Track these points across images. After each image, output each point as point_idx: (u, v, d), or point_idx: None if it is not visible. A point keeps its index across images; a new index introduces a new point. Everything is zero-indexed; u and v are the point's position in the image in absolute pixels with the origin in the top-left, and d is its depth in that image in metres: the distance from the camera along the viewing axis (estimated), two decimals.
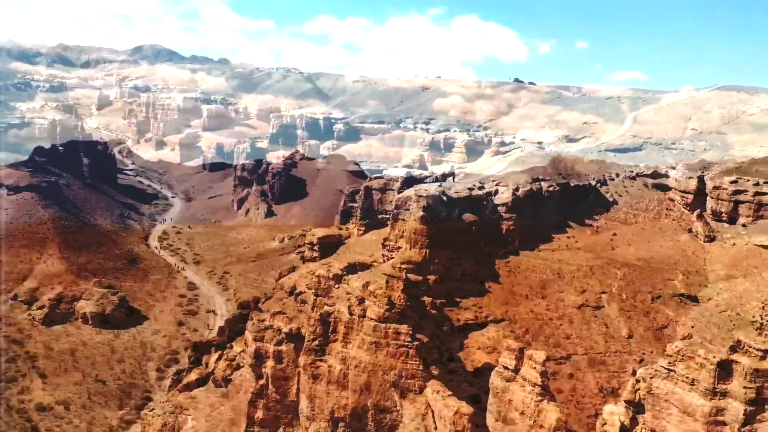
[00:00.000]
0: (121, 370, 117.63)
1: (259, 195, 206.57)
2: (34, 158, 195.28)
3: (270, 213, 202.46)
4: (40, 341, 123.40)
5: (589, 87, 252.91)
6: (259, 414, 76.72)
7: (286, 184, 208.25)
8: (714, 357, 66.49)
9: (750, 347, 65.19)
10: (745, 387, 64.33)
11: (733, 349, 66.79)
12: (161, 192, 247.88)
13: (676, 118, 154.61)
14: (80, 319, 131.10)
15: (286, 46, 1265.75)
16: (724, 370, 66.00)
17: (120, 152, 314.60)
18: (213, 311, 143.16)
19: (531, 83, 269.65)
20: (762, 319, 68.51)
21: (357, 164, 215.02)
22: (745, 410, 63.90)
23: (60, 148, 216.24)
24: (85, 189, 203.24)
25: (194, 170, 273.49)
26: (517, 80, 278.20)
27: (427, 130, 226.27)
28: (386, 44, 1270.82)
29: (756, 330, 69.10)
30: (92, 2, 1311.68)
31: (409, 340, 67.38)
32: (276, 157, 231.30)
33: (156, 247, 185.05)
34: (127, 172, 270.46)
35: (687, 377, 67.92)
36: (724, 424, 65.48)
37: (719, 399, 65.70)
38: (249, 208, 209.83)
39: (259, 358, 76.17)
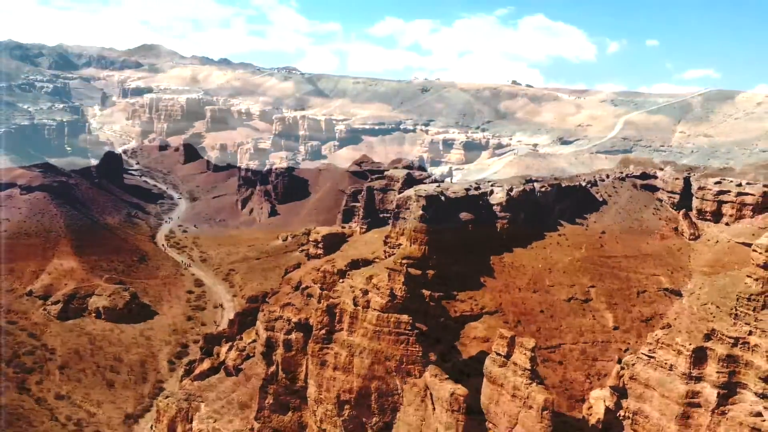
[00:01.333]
0: (134, 362, 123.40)
1: (263, 195, 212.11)
2: (47, 162, 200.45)
3: (273, 212, 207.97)
4: (56, 334, 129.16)
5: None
6: (270, 399, 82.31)
7: (288, 185, 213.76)
8: (690, 344, 72.28)
9: (723, 335, 70.92)
10: (718, 372, 70.11)
11: (708, 337, 72.57)
12: (166, 192, 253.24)
13: (665, 122, 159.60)
14: (93, 314, 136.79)
15: (353, 49, 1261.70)
16: (700, 356, 71.77)
17: (124, 152, 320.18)
18: (221, 305, 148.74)
19: (528, 86, 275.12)
20: (736, 310, 74.05)
21: (358, 165, 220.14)
22: (718, 393, 69.73)
23: (68, 149, 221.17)
24: (93, 188, 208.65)
25: (198, 170, 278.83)
26: (515, 82, 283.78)
27: (426, 132, 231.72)
28: (453, 46, 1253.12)
29: (732, 320, 74.82)
30: (162, 5, 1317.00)
31: (409, 328, 73.00)
32: (279, 158, 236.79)
33: (163, 245, 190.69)
34: (132, 172, 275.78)
35: (666, 363, 73.73)
36: (699, 406, 71.34)
37: (695, 383, 71.56)
38: (253, 208, 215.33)
39: (269, 346, 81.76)
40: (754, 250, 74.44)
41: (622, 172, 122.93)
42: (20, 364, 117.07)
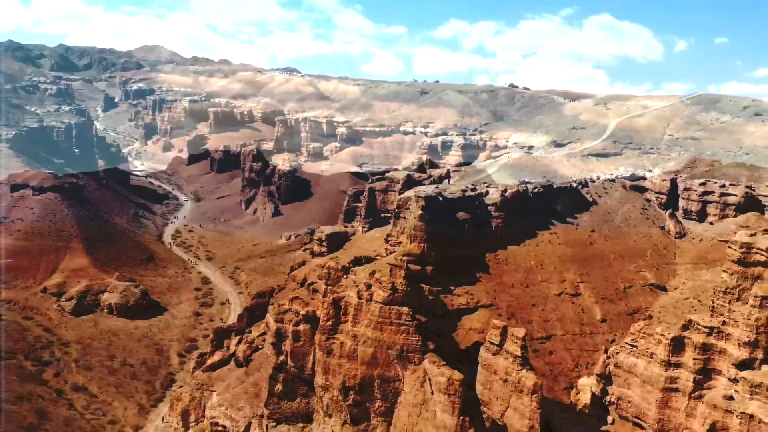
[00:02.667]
0: (146, 356, 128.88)
1: (266, 195, 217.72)
2: (54, 161, 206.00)
3: (276, 212, 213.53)
4: (70, 329, 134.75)
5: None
6: (279, 386, 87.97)
7: (291, 185, 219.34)
8: (669, 334, 78.30)
9: (699, 325, 76.91)
10: (694, 359, 76.19)
11: (685, 327, 78.60)
12: (171, 192, 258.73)
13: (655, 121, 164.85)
14: (105, 310, 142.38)
15: (418, 52, 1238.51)
16: (678, 345, 77.77)
17: (129, 153, 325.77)
18: (228, 300, 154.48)
19: (526, 88, 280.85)
20: (713, 302, 79.96)
21: (359, 166, 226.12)
22: (695, 379, 75.82)
23: (75, 150, 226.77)
24: (100, 189, 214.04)
25: (202, 171, 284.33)
26: (512, 85, 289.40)
27: (425, 134, 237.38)
28: (517, 48, 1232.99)
29: (709, 312, 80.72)
30: (228, 11, 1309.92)
31: (409, 319, 78.68)
32: (281, 159, 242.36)
33: (170, 244, 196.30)
34: (137, 173, 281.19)
35: (647, 351, 79.77)
36: (677, 391, 77.43)
37: (673, 370, 77.63)
38: (256, 208, 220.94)
39: (279, 337, 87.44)
40: (730, 247, 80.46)
41: (612, 173, 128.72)
42: (37, 357, 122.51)
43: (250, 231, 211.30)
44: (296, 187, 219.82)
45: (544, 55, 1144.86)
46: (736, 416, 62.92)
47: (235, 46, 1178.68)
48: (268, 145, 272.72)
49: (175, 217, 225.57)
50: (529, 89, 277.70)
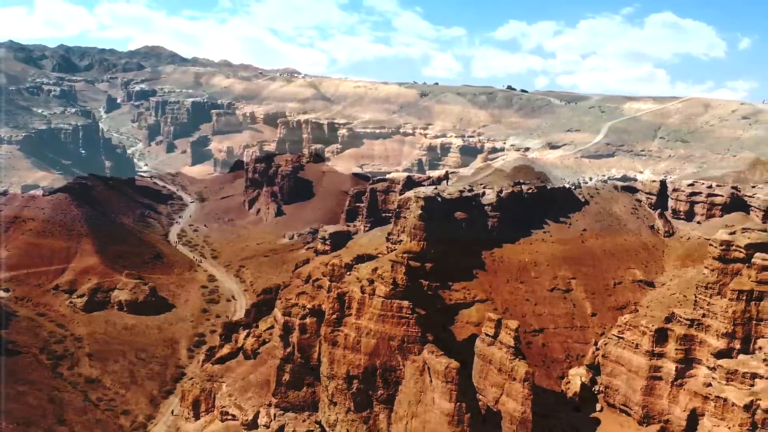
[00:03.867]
0: (156, 350, 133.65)
1: (269, 196, 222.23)
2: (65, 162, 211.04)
3: (279, 212, 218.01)
4: (82, 325, 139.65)
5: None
6: (287, 376, 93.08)
7: (294, 186, 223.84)
8: (653, 326, 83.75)
9: (681, 318, 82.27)
10: (676, 349, 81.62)
11: (668, 319, 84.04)
12: (176, 193, 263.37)
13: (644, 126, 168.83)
14: (116, 307, 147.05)
15: (477, 54, 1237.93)
16: (661, 336, 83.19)
17: (132, 154, 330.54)
18: (233, 297, 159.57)
19: (523, 91, 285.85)
20: (696, 297, 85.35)
21: (360, 167, 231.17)
22: (677, 368, 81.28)
23: (82, 152, 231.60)
24: (107, 190, 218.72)
25: (205, 172, 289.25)
26: (510, 88, 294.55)
27: (425, 135, 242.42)
28: (577, 48, 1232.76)
29: (692, 305, 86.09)
30: (288, 14, 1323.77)
31: (410, 313, 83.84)
32: (284, 160, 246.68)
33: (175, 243, 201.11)
34: (142, 174, 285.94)
35: (632, 343, 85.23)
36: (660, 379, 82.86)
37: (657, 359, 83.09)
38: (260, 208, 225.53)
39: (287, 330, 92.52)
40: (711, 245, 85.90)
41: (604, 175, 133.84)
42: (52, 351, 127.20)
43: (253, 230, 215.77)
44: (298, 188, 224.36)
45: (603, 55, 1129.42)
46: (712, 400, 67.97)
47: (295, 50, 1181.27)
48: (270, 147, 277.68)
49: (180, 217, 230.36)
50: (526, 91, 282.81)
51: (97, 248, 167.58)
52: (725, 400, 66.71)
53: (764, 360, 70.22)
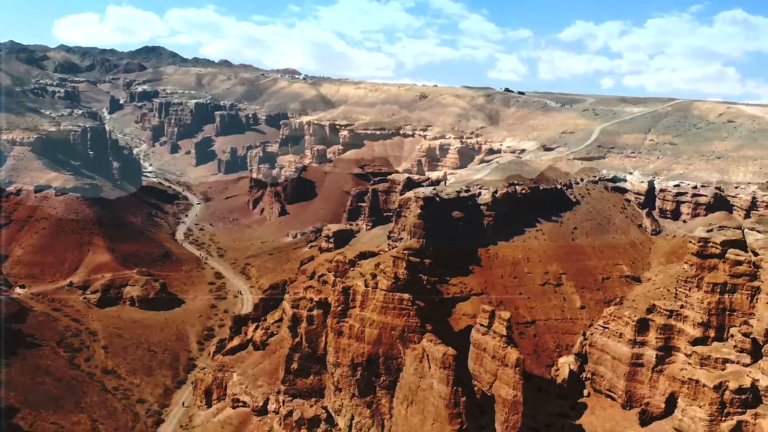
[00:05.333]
0: (168, 343, 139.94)
1: (273, 196, 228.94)
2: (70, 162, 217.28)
3: (283, 212, 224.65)
4: (96, 320, 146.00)
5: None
6: (295, 365, 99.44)
7: (297, 186, 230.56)
8: (635, 316, 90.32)
9: (661, 309, 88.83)
10: (657, 338, 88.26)
11: (649, 310, 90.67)
12: (181, 193, 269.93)
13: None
14: (128, 302, 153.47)
15: (543, 56, 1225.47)
16: (643, 326, 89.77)
17: (137, 155, 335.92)
18: (240, 293, 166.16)
19: (520, 93, 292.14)
20: (676, 290, 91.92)
21: (361, 168, 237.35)
22: (657, 355, 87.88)
23: (90, 152, 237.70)
24: (115, 190, 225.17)
25: (209, 172, 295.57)
26: (507, 90, 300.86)
27: (424, 137, 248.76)
28: (644, 47, 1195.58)
29: (674, 298, 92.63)
30: (356, 18, 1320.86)
31: (410, 305, 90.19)
32: (287, 161, 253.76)
33: (182, 241, 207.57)
34: (147, 174, 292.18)
35: (616, 332, 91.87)
36: (642, 365, 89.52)
37: (639, 347, 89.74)
38: (264, 208, 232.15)
39: (295, 321, 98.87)
40: (690, 242, 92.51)
41: (595, 176, 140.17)
42: (69, 344, 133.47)
43: (258, 229, 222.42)
44: (301, 188, 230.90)
45: (671, 54, 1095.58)
46: (685, 383, 74.42)
47: (362, 55, 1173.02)
48: (273, 148, 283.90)
49: (186, 216, 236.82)
50: (523, 93, 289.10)
51: (108, 246, 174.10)
52: (697, 381, 73.06)
53: (734, 347, 76.61)
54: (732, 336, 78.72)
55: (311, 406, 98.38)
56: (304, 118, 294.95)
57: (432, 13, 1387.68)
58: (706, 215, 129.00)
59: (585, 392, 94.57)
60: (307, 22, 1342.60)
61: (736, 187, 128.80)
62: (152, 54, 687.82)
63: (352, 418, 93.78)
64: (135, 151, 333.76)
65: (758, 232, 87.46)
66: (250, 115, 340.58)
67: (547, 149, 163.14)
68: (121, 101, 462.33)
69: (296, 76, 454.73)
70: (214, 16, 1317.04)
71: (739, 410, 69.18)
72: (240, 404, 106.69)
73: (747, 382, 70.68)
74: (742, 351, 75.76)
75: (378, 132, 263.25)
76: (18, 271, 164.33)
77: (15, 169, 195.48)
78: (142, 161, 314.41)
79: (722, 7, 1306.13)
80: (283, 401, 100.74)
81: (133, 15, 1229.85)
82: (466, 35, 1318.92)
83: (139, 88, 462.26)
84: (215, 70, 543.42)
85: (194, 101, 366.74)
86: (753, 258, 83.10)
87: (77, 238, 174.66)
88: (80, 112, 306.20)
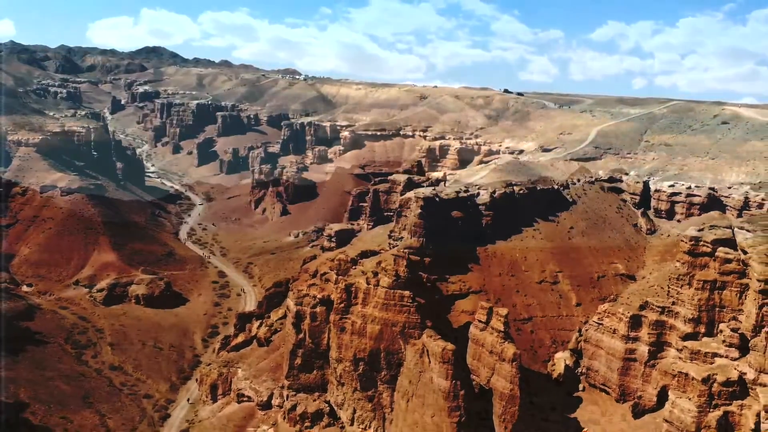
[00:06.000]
0: (173, 340, 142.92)
1: (275, 196, 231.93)
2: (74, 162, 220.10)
3: (285, 212, 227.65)
4: (103, 317, 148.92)
5: None
6: (298, 360, 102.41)
7: (298, 186, 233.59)
8: (628, 313, 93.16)
9: (653, 305, 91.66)
10: (649, 334, 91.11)
11: (642, 307, 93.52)
12: (183, 193, 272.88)
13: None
14: (133, 300, 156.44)
15: (574, 56, 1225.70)
16: (636, 322, 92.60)
17: (139, 156, 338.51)
18: (243, 291, 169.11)
19: (519, 94, 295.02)
20: (668, 287, 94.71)
21: (361, 168, 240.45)
22: (649, 350, 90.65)
23: (94, 153, 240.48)
24: (119, 190, 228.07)
25: (211, 173, 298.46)
26: (506, 91, 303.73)
27: (424, 137, 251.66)
28: (676, 47, 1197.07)
29: (666, 295, 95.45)
30: (388, 20, 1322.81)
31: (410, 301, 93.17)
32: (288, 161, 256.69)
33: (185, 241, 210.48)
34: (150, 174, 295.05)
35: (610, 328, 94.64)
36: (635, 360, 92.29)
37: (632, 343, 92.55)
38: (265, 208, 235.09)
39: (299, 318, 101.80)
40: (681, 240, 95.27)
41: (591, 177, 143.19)
42: (76, 341, 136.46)
43: (260, 229, 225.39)
44: (303, 188, 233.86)
45: (703, 54, 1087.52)
46: (675, 376, 77.29)
47: (394, 57, 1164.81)
48: (274, 148, 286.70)
49: (188, 216, 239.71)
50: (522, 94, 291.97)
51: (113, 245, 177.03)
52: (686, 375, 75.84)
53: (723, 342, 79.38)
54: (721, 331, 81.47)
55: (314, 400, 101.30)
56: (305, 119, 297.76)
57: (463, 15, 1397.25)
58: (700, 215, 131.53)
59: (580, 387, 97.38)
60: (339, 24, 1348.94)
61: (729, 188, 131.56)
62: (152, 54, 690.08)
63: (354, 411, 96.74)
64: (137, 151, 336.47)
65: (747, 231, 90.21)
66: (252, 116, 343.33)
67: (545, 150, 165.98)
68: (123, 102, 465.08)
69: (296, 77, 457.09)
70: (247, 18, 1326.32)
71: (727, 402, 71.97)
72: (245, 399, 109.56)
73: (734, 375, 73.48)
74: (730, 346, 78.50)
75: (378, 133, 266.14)
76: (25, 270, 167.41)
77: (21, 169, 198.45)
78: (144, 161, 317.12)
79: (756, 5, 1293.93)
80: (287, 396, 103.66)
81: (166, 18, 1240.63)
82: (497, 36, 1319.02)
83: (141, 89, 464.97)
84: (216, 70, 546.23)
85: (196, 102, 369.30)
86: (742, 256, 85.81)
87: (83, 238, 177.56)
88: (83, 112, 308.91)
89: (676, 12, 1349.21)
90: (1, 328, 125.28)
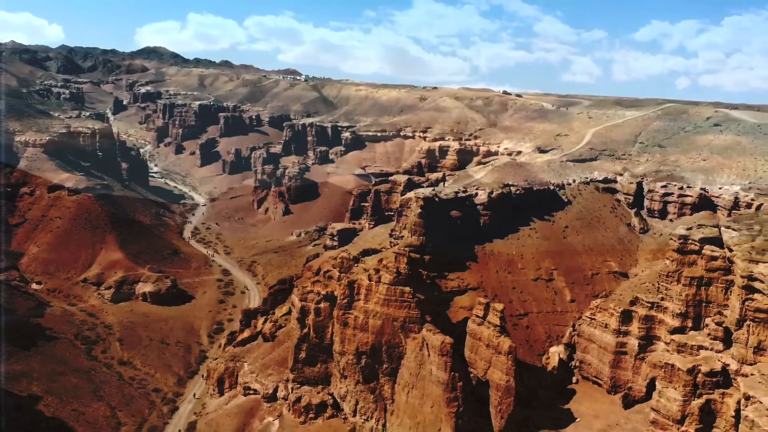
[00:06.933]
0: (180, 336, 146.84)
1: (277, 196, 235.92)
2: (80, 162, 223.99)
3: (287, 212, 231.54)
4: (111, 314, 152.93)
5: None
6: (303, 354, 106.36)
7: (300, 187, 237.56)
8: (619, 308, 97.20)
9: (643, 301, 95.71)
10: (639, 328, 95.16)
11: (633, 302, 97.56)
12: (187, 193, 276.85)
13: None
14: (140, 298, 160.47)
15: (617, 57, 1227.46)
16: (626, 317, 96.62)
17: (142, 156, 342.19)
18: (247, 288, 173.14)
19: (518, 95, 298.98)
20: (658, 284, 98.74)
21: (362, 169, 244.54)
22: (639, 344, 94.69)
23: (99, 154, 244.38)
24: (124, 190, 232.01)
25: (214, 173, 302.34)
26: (505, 92, 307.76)
27: (424, 138, 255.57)
28: (721, 46, 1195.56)
29: (656, 291, 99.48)
30: (431, 23, 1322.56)
31: (411, 297, 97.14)
32: (290, 162, 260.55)
33: (189, 240, 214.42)
34: (153, 174, 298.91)
35: (602, 323, 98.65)
36: (626, 353, 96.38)
37: (623, 337, 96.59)
38: (268, 207, 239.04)
39: (303, 313, 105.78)
40: (671, 239, 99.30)
41: (587, 177, 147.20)
42: (85, 337, 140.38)
43: (262, 228, 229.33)
44: (304, 188, 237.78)
45: (749, 53, 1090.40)
46: (662, 367, 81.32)
47: (438, 59, 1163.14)
48: (276, 149, 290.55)
49: (192, 216, 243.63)
50: (521, 96, 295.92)
51: (120, 244, 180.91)
52: (672, 366, 79.83)
53: (708, 335, 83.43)
54: (707, 325, 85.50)
55: (318, 392, 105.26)
56: (307, 120, 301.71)
57: (506, 16, 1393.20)
58: (691, 215, 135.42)
59: (573, 379, 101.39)
60: (383, 27, 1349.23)
61: (720, 188, 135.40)
62: (153, 54, 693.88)
63: (357, 403, 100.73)
64: (142, 151, 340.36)
65: (733, 230, 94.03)
66: (253, 117, 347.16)
67: (542, 151, 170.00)
68: (125, 102, 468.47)
69: (297, 78, 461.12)
70: (292, 22, 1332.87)
71: (710, 391, 76.01)
72: (251, 392, 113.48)
73: (717, 366, 77.46)
74: (715, 339, 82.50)
75: (379, 134, 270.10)
76: (34, 268, 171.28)
77: (28, 169, 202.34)
78: (147, 162, 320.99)
79: None
80: (292, 388, 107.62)
81: (212, 22, 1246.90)
82: (540, 38, 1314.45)
83: (142, 89, 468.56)
84: (217, 71, 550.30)
85: (198, 103, 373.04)
86: (728, 254, 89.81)
87: (90, 237, 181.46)
88: (88, 113, 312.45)
89: (721, 10, 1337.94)
90: (1, 321, 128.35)
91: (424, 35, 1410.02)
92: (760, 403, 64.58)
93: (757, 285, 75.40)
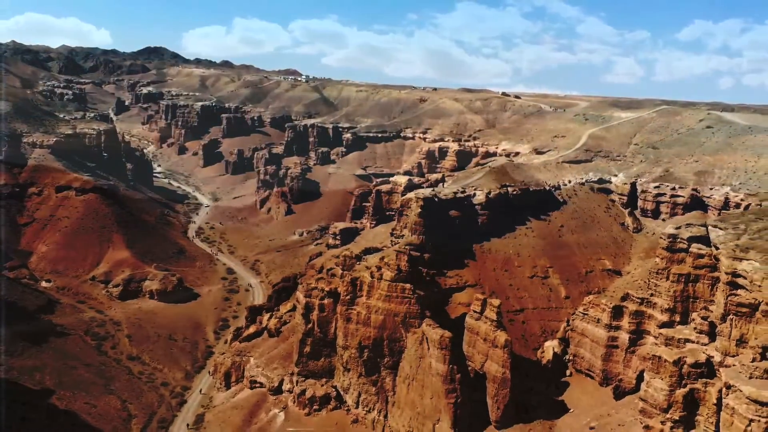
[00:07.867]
0: (187, 332, 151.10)
1: (280, 196, 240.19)
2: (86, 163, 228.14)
3: (289, 211, 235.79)
4: (119, 311, 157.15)
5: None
6: (307, 348, 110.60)
7: (302, 187, 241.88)
8: (611, 303, 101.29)
9: (633, 296, 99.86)
10: (629, 323, 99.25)
11: (623, 298, 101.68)
12: (190, 193, 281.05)
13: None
14: (147, 295, 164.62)
15: (660, 57, 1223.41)
16: (617, 312, 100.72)
17: (146, 157, 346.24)
18: (250, 286, 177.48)
19: (517, 97, 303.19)
20: (648, 280, 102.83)
21: (363, 169, 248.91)
22: (630, 338, 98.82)
23: (105, 154, 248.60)
24: (129, 190, 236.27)
25: (217, 173, 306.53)
26: (504, 94, 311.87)
27: (424, 140, 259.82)
28: (765, 45, 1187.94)
29: (646, 288, 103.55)
30: (473, 25, 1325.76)
31: (411, 293, 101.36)
32: (292, 162, 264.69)
33: (193, 238, 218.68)
34: (156, 175, 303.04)
35: (595, 318, 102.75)
36: (617, 347, 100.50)
37: (614, 331, 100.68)
38: (270, 207, 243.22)
39: (308, 309, 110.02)
40: (660, 237, 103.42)
41: (582, 178, 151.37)
42: (95, 333, 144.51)
43: (265, 228, 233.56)
44: (306, 189, 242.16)
45: None
46: (649, 359, 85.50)
47: (480, 62, 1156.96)
48: (278, 149, 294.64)
49: (196, 215, 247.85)
50: (519, 97, 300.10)
51: (126, 243, 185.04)
52: (659, 357, 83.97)
53: (695, 329, 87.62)
54: (693, 320, 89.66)
55: (322, 385, 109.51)
56: (308, 121, 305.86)
57: (549, 18, 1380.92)
58: (683, 214, 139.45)
59: (567, 372, 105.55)
60: (426, 30, 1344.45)
61: (711, 189, 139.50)
62: (154, 55, 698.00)
63: (359, 395, 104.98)
64: (146, 151, 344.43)
65: (720, 228, 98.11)
66: (255, 118, 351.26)
67: (539, 152, 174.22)
68: (127, 103, 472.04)
69: (298, 79, 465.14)
70: (336, 26, 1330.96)
71: (694, 381, 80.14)
72: (257, 385, 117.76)
73: (702, 358, 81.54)
74: (701, 332, 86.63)
75: (380, 135, 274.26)
76: (43, 267, 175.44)
77: (36, 170, 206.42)
78: (151, 162, 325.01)
79: None
80: (297, 381, 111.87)
81: (258, 27, 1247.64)
82: (582, 39, 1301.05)
83: (144, 90, 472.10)
84: (218, 71, 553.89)
85: (200, 104, 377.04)
86: (714, 252, 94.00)
87: (98, 236, 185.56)
88: (92, 114, 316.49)
89: (766, 9, 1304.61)
90: (1, 313, 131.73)
91: (466, 38, 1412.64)
92: (740, 391, 68.69)
93: (740, 281, 79.36)
